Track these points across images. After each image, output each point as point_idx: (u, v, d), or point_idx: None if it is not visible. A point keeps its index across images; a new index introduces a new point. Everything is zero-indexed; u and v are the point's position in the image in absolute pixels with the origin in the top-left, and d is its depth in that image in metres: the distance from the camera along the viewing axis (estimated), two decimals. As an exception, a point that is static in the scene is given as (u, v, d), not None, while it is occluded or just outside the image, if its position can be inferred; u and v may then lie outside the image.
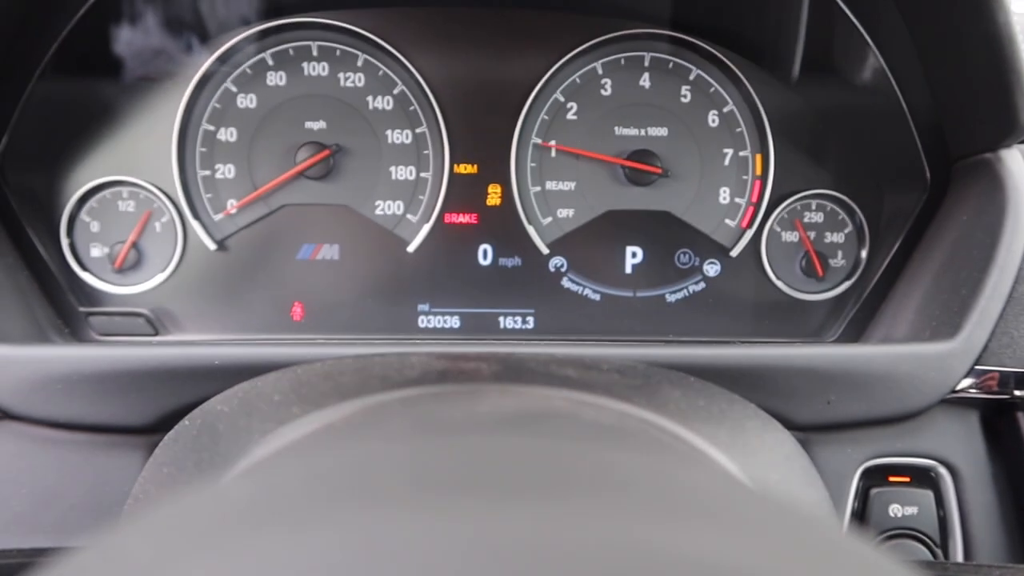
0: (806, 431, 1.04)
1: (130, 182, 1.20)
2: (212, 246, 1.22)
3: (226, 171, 1.22)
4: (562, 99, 1.25)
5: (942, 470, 1.07)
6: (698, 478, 0.39)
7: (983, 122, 1.08)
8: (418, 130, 1.24)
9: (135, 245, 1.21)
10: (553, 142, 1.25)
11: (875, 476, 1.07)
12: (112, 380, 0.96)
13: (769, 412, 0.95)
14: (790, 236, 1.28)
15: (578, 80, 1.25)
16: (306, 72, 1.23)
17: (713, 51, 1.25)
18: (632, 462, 0.40)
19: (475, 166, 1.25)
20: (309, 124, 1.23)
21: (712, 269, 1.28)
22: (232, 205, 1.22)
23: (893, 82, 1.12)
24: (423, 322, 1.25)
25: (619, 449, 0.44)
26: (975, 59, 1.01)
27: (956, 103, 1.10)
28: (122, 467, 0.95)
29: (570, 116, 1.26)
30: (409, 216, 1.25)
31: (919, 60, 1.09)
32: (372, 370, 0.67)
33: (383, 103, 1.24)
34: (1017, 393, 1.06)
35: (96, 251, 1.21)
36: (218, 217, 1.23)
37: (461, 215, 1.25)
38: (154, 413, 0.97)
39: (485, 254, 1.26)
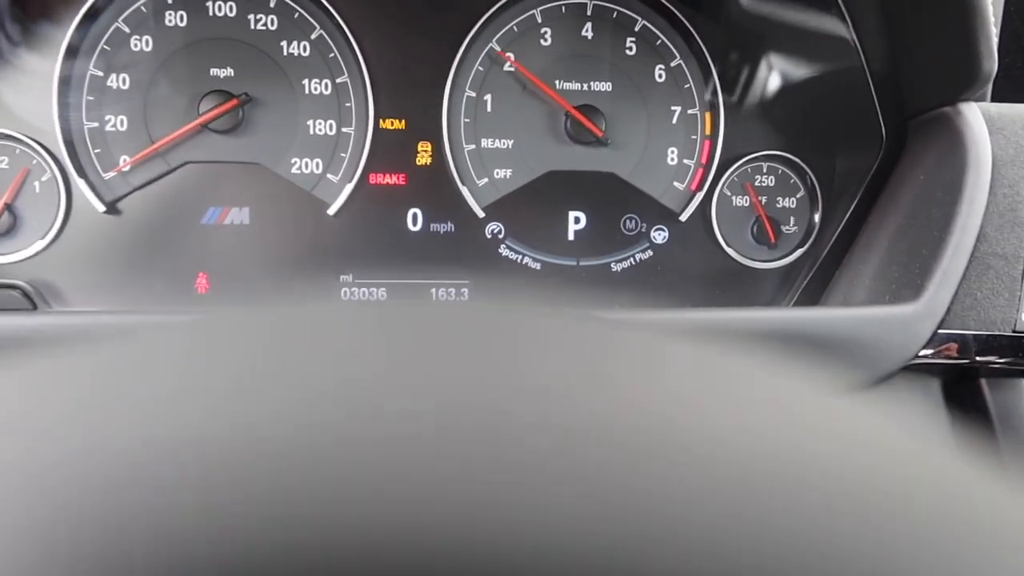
0: (765, 403, 0.96)
1: (3, 134, 1.05)
2: (101, 208, 1.07)
3: (118, 123, 1.08)
4: (498, 49, 1.15)
5: (904, 443, 1.02)
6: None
7: (943, 71, 1.02)
8: (339, 80, 1.12)
9: (9, 207, 1.05)
10: (511, 56, 1.14)
11: (835, 451, 1.01)
12: (-28, 355, 0.81)
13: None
14: (741, 201, 1.21)
15: (515, 28, 1.15)
16: (211, 12, 1.09)
17: (660, 0, 1.16)
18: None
19: (403, 121, 1.13)
20: (215, 71, 1.09)
21: (660, 236, 1.19)
22: (125, 161, 1.08)
23: (851, 29, 1.06)
24: (346, 294, 1.13)
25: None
26: (938, 1, 0.95)
27: (916, 51, 1.04)
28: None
29: (507, 68, 1.15)
30: (329, 176, 1.12)
31: (879, 4, 1.02)
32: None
33: (299, 49, 1.11)
34: (979, 359, 1.01)
35: (-38, 214, 1.04)
36: (108, 175, 1.08)
37: (387, 175, 1.13)
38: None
39: (415, 219, 1.14)
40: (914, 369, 1.01)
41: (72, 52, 1.06)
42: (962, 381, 1.06)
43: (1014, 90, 1.17)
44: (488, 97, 1.15)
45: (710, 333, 0.94)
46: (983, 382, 1.05)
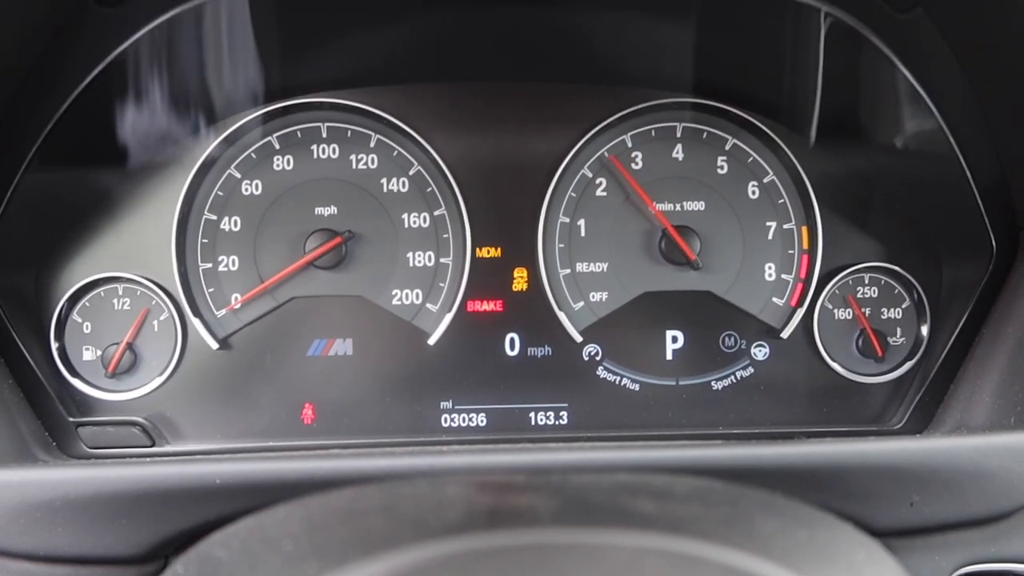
0: (886, 536, 0.92)
1: (126, 278, 1.11)
2: (214, 345, 1.12)
3: (229, 263, 1.13)
4: (590, 175, 1.17)
5: (1045, 577, 0.94)
6: None
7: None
8: (436, 213, 1.15)
9: (130, 346, 1.11)
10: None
11: (971, 586, 0.95)
12: (98, 505, 0.85)
13: (845, 514, 0.83)
14: (843, 314, 1.18)
15: (606, 154, 1.17)
16: (315, 155, 1.15)
17: (749, 118, 1.17)
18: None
19: (499, 249, 1.15)
20: (319, 210, 1.14)
21: (761, 352, 1.17)
22: (236, 300, 1.13)
23: (951, 140, 1.03)
24: (446, 421, 1.14)
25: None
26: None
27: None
28: (110, 606, 0.83)
29: (599, 192, 1.17)
30: (429, 305, 1.15)
31: (982, 115, 1.00)
32: (401, 508, 0.55)
33: (398, 185, 1.15)
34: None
35: (88, 354, 1.11)
36: (221, 313, 1.13)
37: (485, 302, 1.15)
38: (147, 541, 0.86)
39: (512, 344, 1.15)
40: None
41: (188, 199, 1.12)
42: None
43: None
44: (582, 222, 1.16)
45: (828, 468, 0.90)
46: None
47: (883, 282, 1.18)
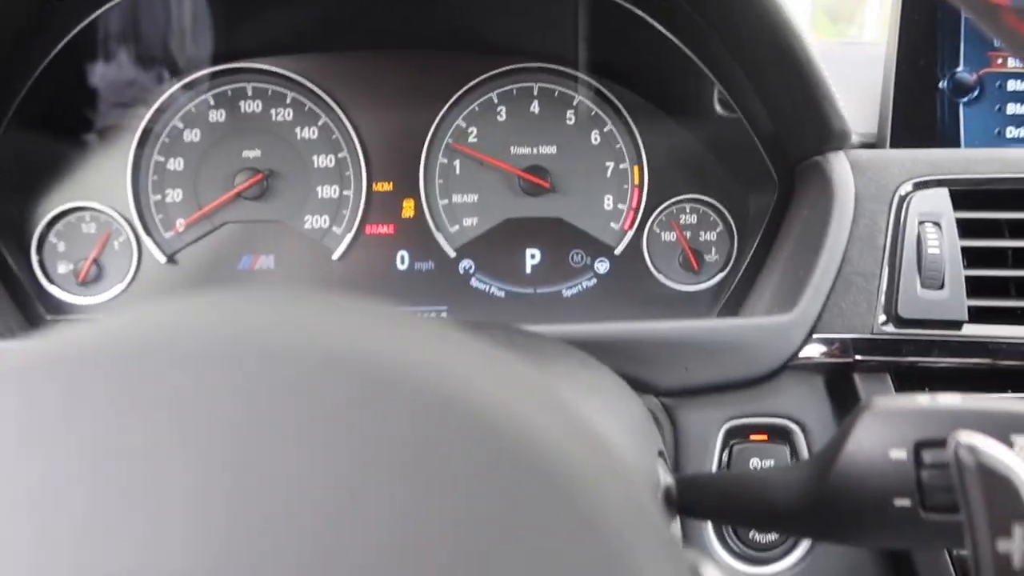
0: (672, 396, 1.20)
1: (92, 208, 1.39)
2: (163, 260, 1.40)
3: (175, 195, 1.42)
4: (463, 125, 1.46)
5: (794, 427, 1.20)
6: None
7: (805, 131, 1.27)
8: (340, 155, 1.44)
9: (96, 261, 1.39)
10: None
11: (737, 435, 1.20)
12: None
13: (636, 378, 1.12)
14: (668, 236, 1.47)
15: (476, 108, 1.46)
16: (242, 109, 1.43)
17: (590, 80, 1.46)
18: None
19: (391, 184, 1.44)
20: (246, 153, 1.42)
21: (602, 267, 1.47)
22: (180, 224, 1.41)
23: (731, 100, 1.33)
24: (349, 321, 1.43)
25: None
26: (786, 80, 1.21)
27: (783, 115, 1.30)
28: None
29: (471, 139, 1.46)
30: (335, 229, 1.44)
31: (748, 81, 1.29)
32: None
33: (310, 133, 1.44)
34: (854, 357, 1.23)
35: (62, 267, 1.39)
36: (168, 235, 1.42)
37: (380, 227, 1.44)
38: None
39: (402, 260, 1.44)
40: (800, 368, 1.23)
41: (141, 144, 1.41)
42: (841, 377, 1.27)
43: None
44: (457, 162, 1.46)
45: (619, 341, 1.19)
46: (856, 377, 1.25)
47: (701, 211, 1.47)
